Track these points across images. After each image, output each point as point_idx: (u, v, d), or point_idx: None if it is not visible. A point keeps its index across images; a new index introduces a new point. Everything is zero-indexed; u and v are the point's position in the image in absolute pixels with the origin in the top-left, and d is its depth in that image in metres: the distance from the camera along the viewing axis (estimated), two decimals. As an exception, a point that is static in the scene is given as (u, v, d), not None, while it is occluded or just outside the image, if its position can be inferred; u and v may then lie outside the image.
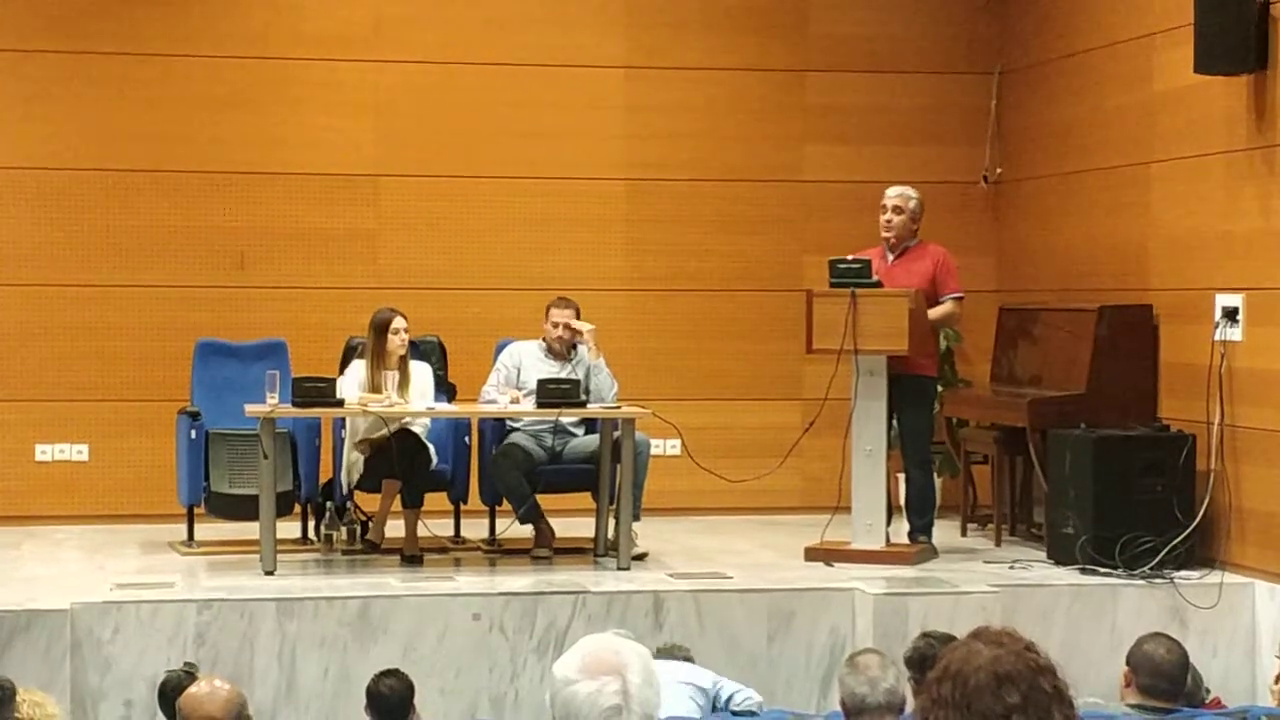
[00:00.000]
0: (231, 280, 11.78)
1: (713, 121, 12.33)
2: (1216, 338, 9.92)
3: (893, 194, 10.35)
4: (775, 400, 12.15)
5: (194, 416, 10.46)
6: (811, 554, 10.08)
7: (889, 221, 10.28)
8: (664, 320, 12.23)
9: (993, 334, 11.74)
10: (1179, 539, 9.73)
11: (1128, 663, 6.50)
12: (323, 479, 10.54)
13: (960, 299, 10.28)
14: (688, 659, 7.94)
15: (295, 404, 9.63)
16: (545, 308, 10.46)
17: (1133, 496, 9.85)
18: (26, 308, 11.56)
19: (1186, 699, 6.68)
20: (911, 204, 10.32)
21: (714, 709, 7.49)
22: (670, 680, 7.52)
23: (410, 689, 7.24)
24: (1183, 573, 9.67)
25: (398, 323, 10.11)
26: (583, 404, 9.97)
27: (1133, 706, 6.30)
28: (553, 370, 10.25)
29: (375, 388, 9.94)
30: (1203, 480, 9.92)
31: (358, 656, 8.75)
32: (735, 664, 9.11)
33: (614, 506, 9.99)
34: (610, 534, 10.04)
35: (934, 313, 10.17)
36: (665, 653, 7.96)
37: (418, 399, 10.04)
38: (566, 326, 10.33)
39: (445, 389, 10.68)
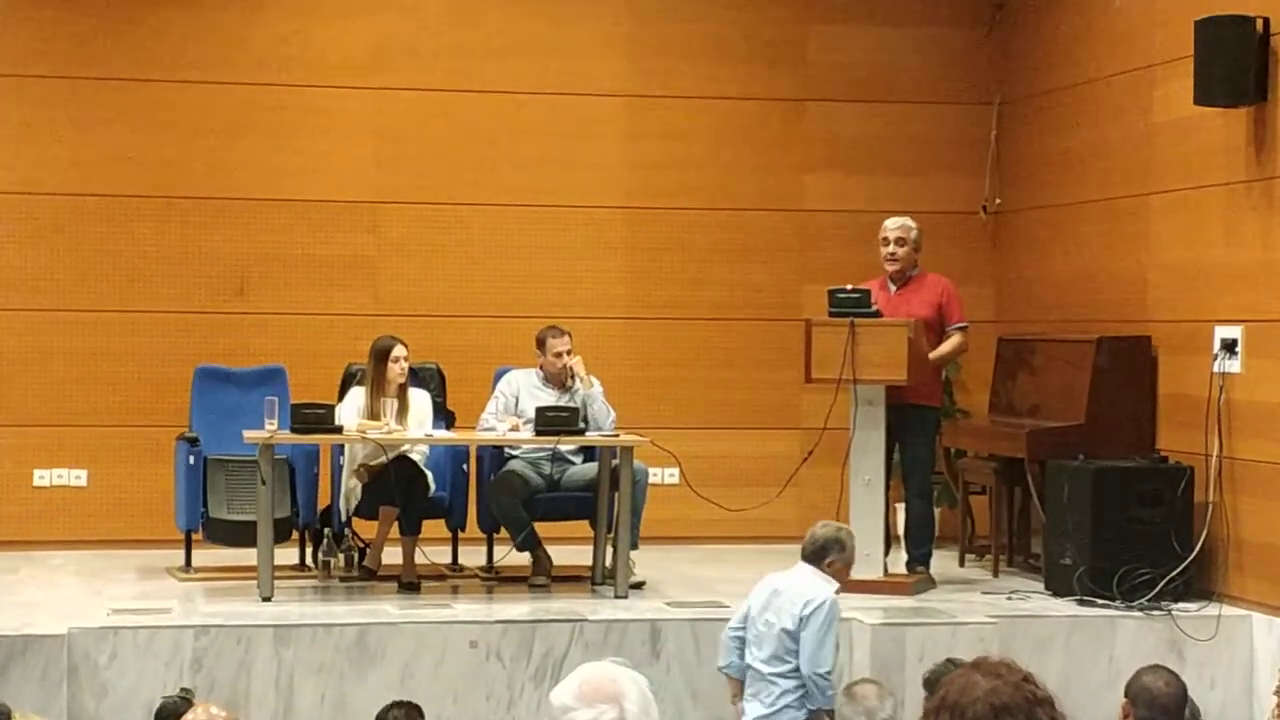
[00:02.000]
0: (231, 306, 11.78)
1: (713, 150, 12.34)
2: (1215, 369, 9.92)
3: (893, 226, 10.36)
4: (774, 429, 12.15)
5: (193, 442, 10.46)
6: (809, 583, 10.06)
7: (893, 254, 10.29)
8: (663, 349, 12.23)
9: (991, 364, 11.74)
10: (1177, 571, 9.71)
11: (1126, 695, 6.48)
12: (321, 505, 10.53)
13: (966, 328, 10.29)
14: (828, 544, 8.08)
15: (294, 430, 9.62)
16: (537, 338, 10.44)
17: (1131, 528, 9.83)
18: (26, 332, 11.56)
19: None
20: (913, 234, 10.34)
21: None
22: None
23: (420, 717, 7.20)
24: (1181, 605, 9.65)
25: (398, 351, 10.11)
26: (581, 432, 9.97)
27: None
28: (551, 399, 10.25)
29: (374, 415, 9.94)
30: (1201, 512, 9.91)
31: (354, 683, 8.74)
32: (732, 693, 9.11)
33: (612, 535, 9.98)
34: (608, 562, 10.03)
35: (943, 349, 10.19)
36: (812, 553, 8.08)
37: (416, 426, 10.04)
38: (570, 354, 10.33)
39: (444, 416, 10.69)
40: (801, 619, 7.86)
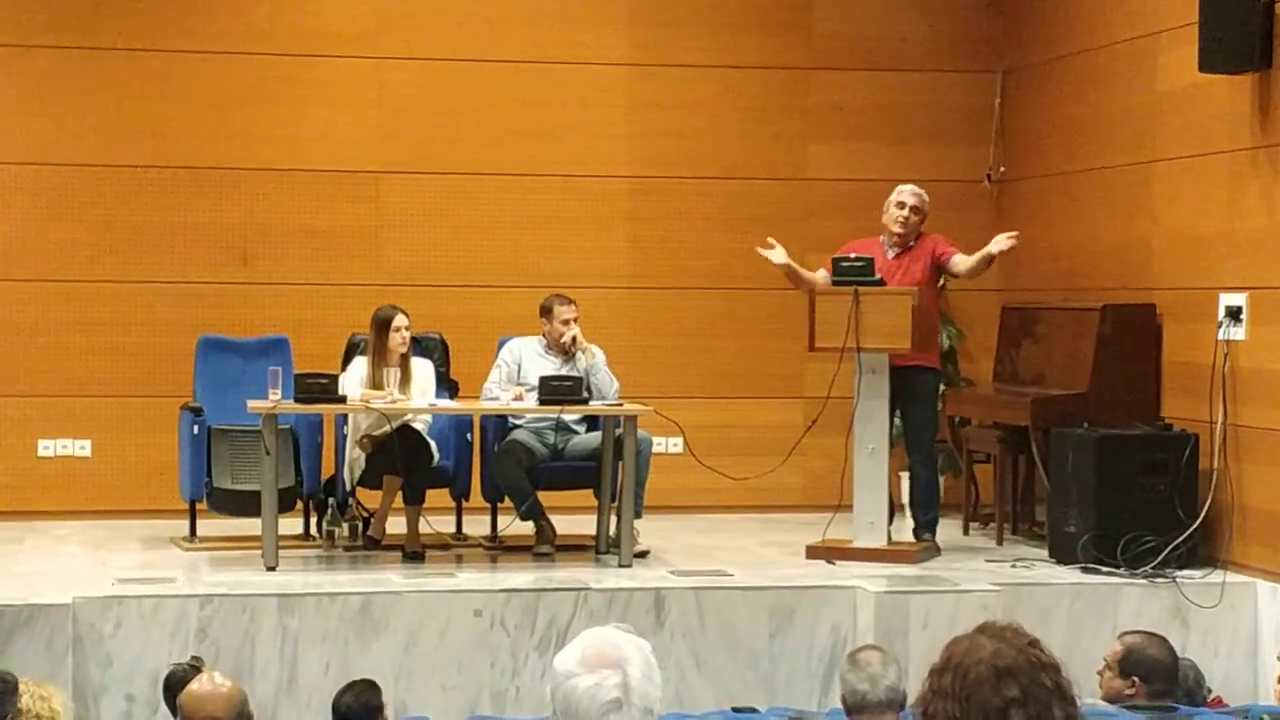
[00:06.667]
0: (234, 276, 11.78)
1: (716, 119, 12.32)
2: (1220, 337, 9.91)
3: (910, 192, 10.28)
4: (778, 398, 12.15)
5: (196, 412, 10.46)
6: (813, 552, 10.07)
7: (906, 219, 10.24)
8: (666, 318, 12.23)
9: (995, 333, 11.73)
10: (1181, 538, 9.71)
11: (1133, 673, 6.49)
12: (325, 475, 10.54)
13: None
14: None
15: (297, 400, 9.62)
16: (541, 306, 10.43)
17: (1135, 496, 9.83)
18: (29, 303, 11.57)
19: (1188, 697, 6.69)
20: (926, 204, 10.32)
21: None
22: None
23: (374, 695, 7.07)
24: (1185, 572, 9.65)
25: (399, 320, 10.11)
26: (585, 401, 9.96)
27: (1132, 708, 6.29)
28: (554, 367, 10.24)
29: (377, 384, 9.94)
30: (1205, 480, 9.91)
31: (359, 652, 8.75)
32: (736, 661, 9.13)
33: (616, 504, 9.98)
34: (612, 531, 10.03)
35: (970, 261, 10.05)
36: None
37: (419, 396, 10.04)
38: (575, 321, 10.32)
39: (447, 386, 10.68)
40: None
